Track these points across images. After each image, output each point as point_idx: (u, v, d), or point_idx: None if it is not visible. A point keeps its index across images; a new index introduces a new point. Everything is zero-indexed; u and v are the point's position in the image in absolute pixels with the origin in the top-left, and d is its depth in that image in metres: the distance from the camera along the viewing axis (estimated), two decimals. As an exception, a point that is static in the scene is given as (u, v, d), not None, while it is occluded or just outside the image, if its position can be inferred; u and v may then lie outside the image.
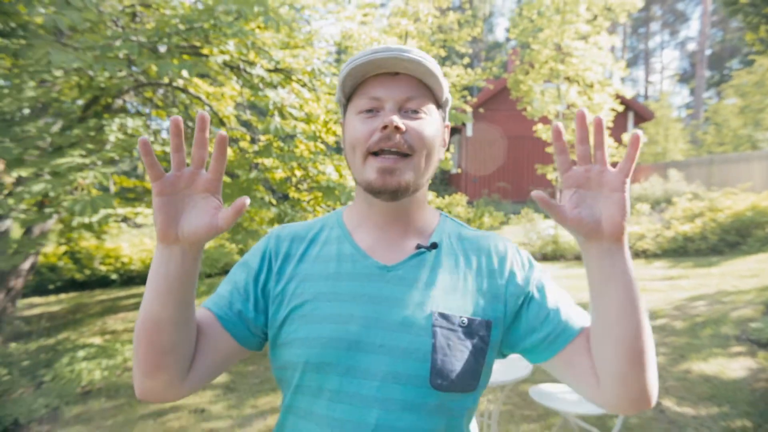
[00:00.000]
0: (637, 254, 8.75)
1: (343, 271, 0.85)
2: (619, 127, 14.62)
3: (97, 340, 5.05)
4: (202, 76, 5.24)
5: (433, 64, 0.84)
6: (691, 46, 37.33)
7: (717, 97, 28.17)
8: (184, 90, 4.99)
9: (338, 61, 5.57)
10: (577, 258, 9.09)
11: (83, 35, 3.62)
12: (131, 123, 4.01)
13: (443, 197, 13.26)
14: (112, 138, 3.83)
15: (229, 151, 5.30)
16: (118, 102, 5.29)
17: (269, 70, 4.33)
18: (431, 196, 10.98)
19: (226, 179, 5.35)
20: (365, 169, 0.83)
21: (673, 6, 36.77)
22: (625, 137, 10.62)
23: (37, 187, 3.35)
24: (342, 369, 0.79)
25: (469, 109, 13.09)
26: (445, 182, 18.02)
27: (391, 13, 10.71)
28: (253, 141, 5.11)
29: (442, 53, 12.24)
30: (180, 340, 0.77)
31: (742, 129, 18.31)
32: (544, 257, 9.27)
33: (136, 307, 6.82)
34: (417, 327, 0.79)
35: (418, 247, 0.87)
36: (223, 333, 0.84)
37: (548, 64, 10.87)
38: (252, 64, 4.27)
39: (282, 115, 4.31)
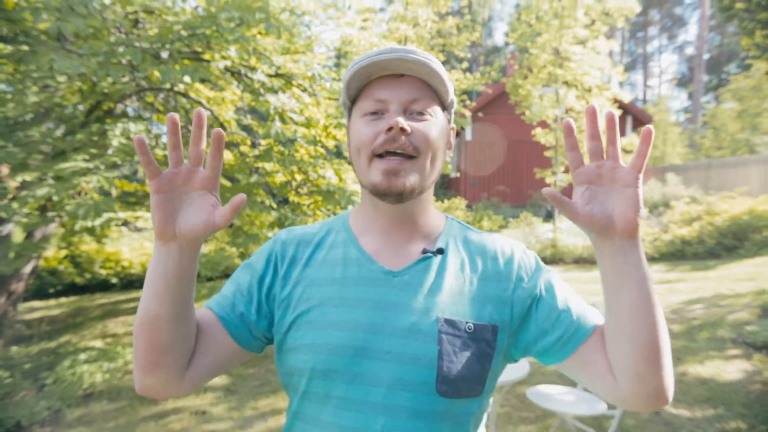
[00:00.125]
0: (635, 258, 8.77)
1: (349, 275, 0.85)
2: (617, 131, 14.67)
3: (98, 344, 5.08)
4: (202, 80, 5.29)
5: (438, 66, 0.83)
6: (689, 51, 37.49)
7: (715, 101, 28.27)
8: (185, 95, 5.04)
9: (338, 65, 5.62)
10: (576, 262, 9.13)
11: (87, 41, 3.67)
12: (133, 127, 4.05)
13: (442, 201, 13.31)
14: (115, 143, 3.87)
15: (230, 156, 5.35)
16: (120, 107, 5.34)
17: (270, 76, 4.38)
18: (430, 199, 10.98)
19: (227, 183, 5.39)
20: (370, 172, 0.83)
21: (671, 10, 36.94)
22: (625, 139, 10.69)
23: (42, 192, 3.40)
24: (348, 376, 0.78)
25: (468, 113, 13.14)
26: (444, 186, 18.07)
27: (390, 18, 10.78)
28: (253, 145, 5.15)
29: (441, 58, 12.30)
30: (178, 338, 0.77)
31: (739, 133, 18.39)
32: (543, 261, 9.30)
33: (136, 310, 6.82)
34: (423, 333, 0.79)
35: (424, 251, 0.86)
36: (224, 334, 0.83)
37: (547, 69, 10.94)
38: (253, 69, 4.32)
39: (283, 120, 4.36)
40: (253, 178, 4.62)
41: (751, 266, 7.36)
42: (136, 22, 4.63)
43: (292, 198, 4.92)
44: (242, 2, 3.51)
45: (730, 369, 3.90)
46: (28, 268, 5.58)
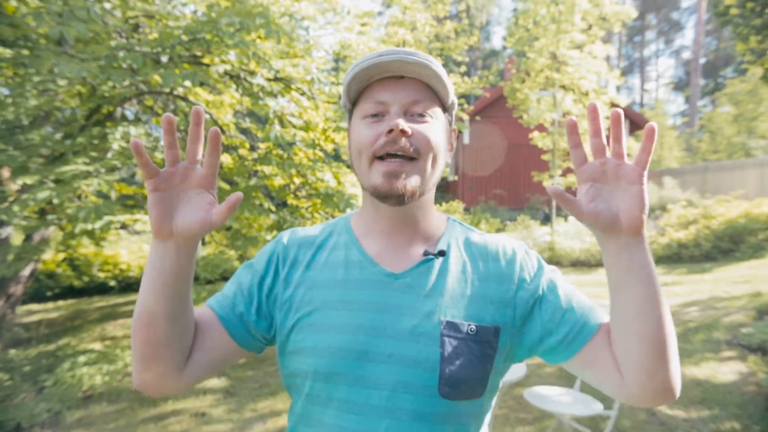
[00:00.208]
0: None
1: (351, 278, 0.85)
2: (614, 134, 14.74)
3: (97, 346, 5.09)
4: (201, 84, 5.32)
5: (438, 67, 0.83)
6: (686, 55, 37.67)
7: (711, 105, 28.43)
8: (184, 98, 5.07)
9: (336, 69, 5.66)
10: (573, 265, 9.17)
11: (88, 46, 3.70)
12: (134, 131, 4.08)
13: (440, 204, 13.35)
14: (115, 146, 3.90)
15: (229, 159, 5.38)
16: (119, 110, 5.36)
17: (269, 79, 4.42)
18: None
19: (226, 186, 5.42)
20: (371, 174, 0.83)
21: (667, 15, 37.15)
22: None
23: (43, 195, 3.42)
24: (351, 379, 0.78)
25: (466, 116, 13.21)
26: (442, 189, 18.13)
27: (389, 23, 10.84)
28: (252, 148, 5.18)
29: (439, 61, 12.37)
30: (174, 335, 0.77)
31: (736, 137, 18.50)
32: (541, 264, 9.35)
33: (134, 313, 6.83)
34: (425, 336, 0.79)
35: (426, 253, 0.86)
36: (223, 333, 0.84)
37: (544, 73, 11.01)
38: (253, 73, 4.35)
39: (282, 124, 4.39)
40: (252, 181, 4.65)
41: (746, 269, 7.41)
42: (136, 26, 4.67)
43: (291, 201, 4.95)
44: (242, 8, 3.54)
45: (725, 370, 3.94)
46: (26, 271, 5.59)
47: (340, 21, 5.30)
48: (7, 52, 3.62)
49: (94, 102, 4.36)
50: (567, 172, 12.06)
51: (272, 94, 4.35)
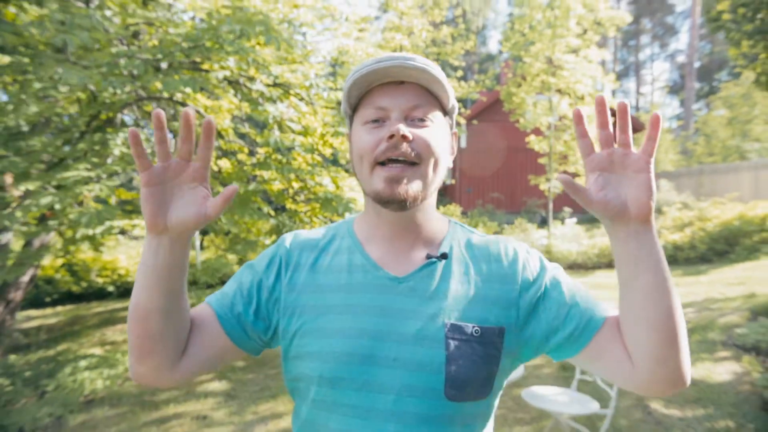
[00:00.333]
0: (628, 263, 8.89)
1: (354, 282, 0.84)
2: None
3: (98, 351, 5.11)
4: (201, 89, 5.37)
5: (438, 72, 0.83)
6: (681, 59, 37.94)
7: (706, 109, 28.60)
8: (183, 104, 5.12)
9: (334, 74, 5.72)
10: (570, 267, 9.22)
11: (91, 53, 3.74)
12: (134, 137, 4.11)
13: (438, 208, 13.38)
14: (116, 152, 3.94)
15: (227, 164, 5.42)
16: (120, 116, 5.41)
17: (268, 85, 4.47)
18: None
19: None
20: (373, 179, 0.82)
21: (662, 19, 37.41)
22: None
23: (45, 200, 3.46)
24: (357, 384, 0.78)
25: (462, 120, 13.29)
26: (439, 193, 18.11)
27: (385, 28, 10.91)
28: (251, 153, 5.23)
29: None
30: (169, 329, 0.78)
31: (730, 140, 18.64)
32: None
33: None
34: (430, 339, 0.79)
35: (428, 257, 0.86)
36: (220, 331, 0.84)
37: (540, 77, 11.10)
38: (252, 79, 4.40)
39: (281, 129, 4.44)
40: (252, 186, 4.69)
41: (741, 270, 7.48)
42: (136, 33, 4.72)
43: (290, 205, 4.99)
44: (243, 15, 3.60)
45: (720, 370, 3.99)
46: (26, 277, 5.61)
47: (338, 27, 5.36)
48: (6, 59, 3.66)
49: (94, 108, 4.41)
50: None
51: (271, 100, 4.40)
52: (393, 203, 0.81)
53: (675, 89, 37.22)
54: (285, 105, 4.54)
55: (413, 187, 0.81)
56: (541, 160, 11.66)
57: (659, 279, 0.73)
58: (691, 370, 0.77)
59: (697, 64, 28.25)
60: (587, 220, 14.45)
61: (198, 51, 3.78)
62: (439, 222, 0.92)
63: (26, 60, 3.66)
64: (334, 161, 6.64)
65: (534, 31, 10.99)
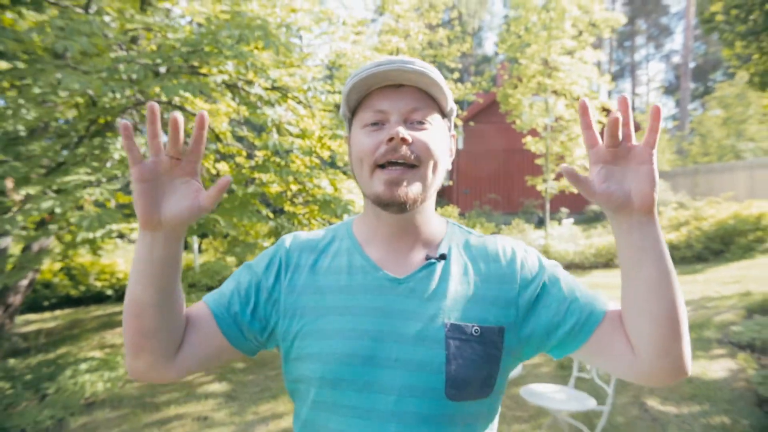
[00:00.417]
0: (625, 263, 8.96)
1: (354, 283, 0.85)
2: (606, 138, 14.93)
3: (98, 354, 5.13)
4: (200, 92, 5.39)
5: (436, 75, 0.83)
6: (676, 59, 38.14)
7: (701, 109, 28.75)
8: (181, 108, 5.15)
9: (331, 77, 5.76)
10: (568, 267, 9.28)
11: (90, 59, 3.78)
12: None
13: (435, 209, 13.44)
14: (116, 156, 3.97)
15: (225, 167, 5.45)
16: (119, 120, 5.44)
17: (267, 89, 4.50)
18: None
19: (223, 194, 5.48)
20: (373, 182, 0.83)
21: (657, 20, 37.62)
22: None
23: (46, 204, 3.48)
24: (358, 385, 0.79)
25: (459, 122, 13.35)
26: (437, 194, 18.25)
27: (382, 31, 10.97)
28: (249, 156, 5.26)
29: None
30: (163, 324, 0.78)
31: (725, 139, 18.75)
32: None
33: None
34: (430, 339, 0.79)
35: (427, 258, 0.86)
36: (216, 330, 0.84)
37: (536, 78, 11.18)
38: (250, 83, 4.44)
39: (280, 132, 4.47)
40: (250, 189, 4.72)
41: (736, 269, 7.54)
42: (134, 38, 4.75)
43: (288, 208, 5.02)
44: (242, 20, 3.64)
45: (716, 367, 4.03)
46: (25, 281, 5.63)
47: (335, 31, 5.40)
48: (4, 65, 3.69)
49: (94, 113, 4.44)
50: (560, 176, 12.18)
51: (270, 103, 4.43)
52: (393, 206, 0.82)
53: (670, 90, 37.41)
54: (283, 108, 4.58)
55: (413, 190, 0.82)
56: (538, 161, 11.72)
57: (662, 270, 0.74)
58: (691, 360, 0.78)
59: (692, 65, 28.40)
60: (584, 220, 14.51)
61: (197, 55, 3.82)
62: (438, 223, 0.93)
63: (23, 66, 3.69)
64: (332, 164, 6.68)
65: (529, 33, 11.07)
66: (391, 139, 0.80)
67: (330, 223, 4.48)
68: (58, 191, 3.94)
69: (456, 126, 13.72)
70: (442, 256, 0.86)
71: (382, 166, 0.82)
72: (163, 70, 4.00)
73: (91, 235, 3.83)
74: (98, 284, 8.71)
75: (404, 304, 0.82)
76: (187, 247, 11.64)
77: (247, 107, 4.62)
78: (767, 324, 4.55)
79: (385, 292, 0.83)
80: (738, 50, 6.57)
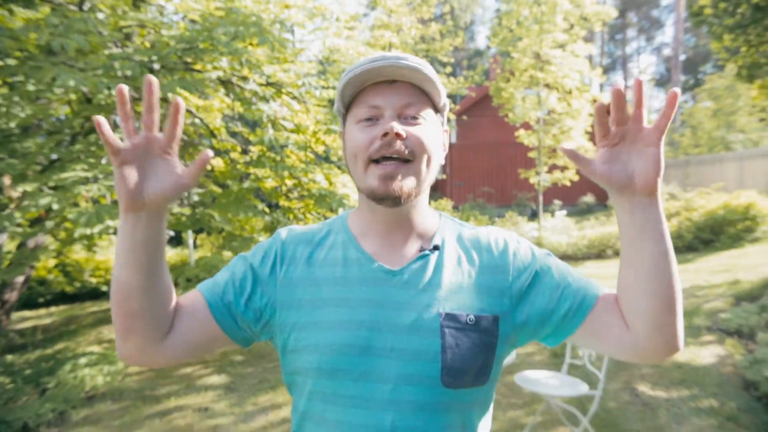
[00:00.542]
0: (617, 253, 9.06)
1: (349, 275, 0.86)
2: (597, 131, 15.04)
3: (96, 349, 5.17)
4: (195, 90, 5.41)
5: (429, 70, 0.85)
6: (667, 52, 38.34)
7: (692, 101, 28.93)
8: (175, 103, 5.16)
9: (324, 73, 5.78)
10: (561, 259, 9.36)
11: (85, 56, 3.79)
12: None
13: (429, 203, 13.52)
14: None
15: (220, 162, 5.48)
16: (113, 117, 5.45)
17: (261, 85, 4.54)
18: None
19: (217, 190, 5.52)
20: (367, 177, 0.84)
21: (648, 13, 37.77)
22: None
23: (44, 201, 3.51)
24: (355, 374, 0.80)
25: (452, 116, 13.41)
26: (431, 188, 18.31)
27: (374, 26, 10.98)
28: (244, 152, 5.30)
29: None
30: (150, 305, 0.79)
31: (715, 131, 18.92)
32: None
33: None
34: (425, 329, 0.80)
35: (421, 250, 0.88)
36: (210, 318, 0.85)
37: (528, 72, 11.24)
38: (245, 79, 4.47)
39: (275, 127, 4.51)
40: (246, 184, 4.76)
41: (726, 258, 7.67)
42: (128, 35, 4.76)
43: (283, 203, 5.06)
44: (236, 17, 3.67)
45: (705, 354, 4.14)
46: (21, 278, 5.64)
47: (329, 27, 5.43)
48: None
49: (89, 110, 4.45)
50: (552, 168, 12.29)
51: (265, 99, 4.47)
52: (387, 200, 0.83)
53: (661, 82, 37.60)
54: (278, 104, 4.61)
55: (407, 184, 0.83)
56: (531, 154, 11.81)
57: (663, 248, 0.76)
58: (683, 336, 0.81)
59: (682, 57, 28.55)
60: (577, 212, 14.65)
61: (192, 52, 3.85)
62: (431, 216, 0.94)
63: (15, 63, 3.70)
64: (326, 158, 6.72)
65: (521, 27, 11.12)
66: (385, 134, 0.82)
67: (325, 218, 4.52)
68: (55, 188, 3.96)
69: (449, 120, 13.77)
70: (436, 247, 0.88)
71: (376, 161, 0.83)
72: (157, 67, 4.03)
73: (88, 231, 3.86)
74: (93, 281, 8.70)
75: (399, 295, 0.83)
76: (182, 242, 11.65)
77: (241, 103, 4.65)
78: (754, 311, 4.66)
79: (380, 283, 0.84)
80: (726, 43, 6.66)
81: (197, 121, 5.52)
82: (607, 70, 36.67)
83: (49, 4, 4.13)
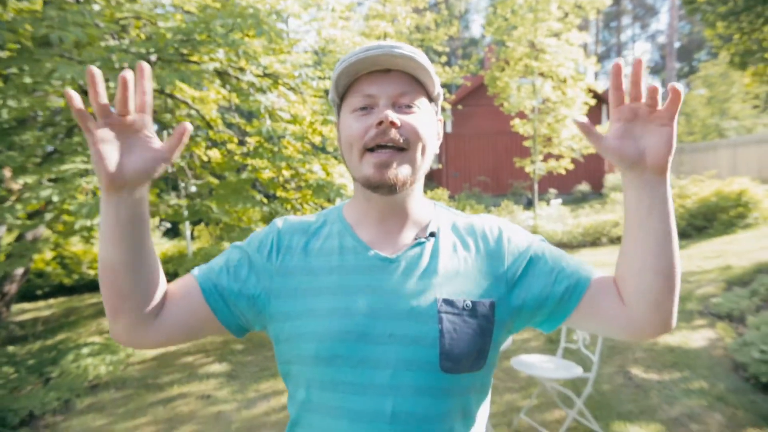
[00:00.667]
0: (612, 240, 9.16)
1: (346, 264, 0.86)
2: (593, 120, 15.06)
3: (98, 339, 5.22)
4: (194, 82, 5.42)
5: (424, 59, 0.85)
6: (661, 39, 38.32)
7: (687, 88, 29.00)
8: (171, 96, 5.18)
9: (320, 63, 5.80)
10: (556, 246, 9.47)
11: (85, 48, 3.81)
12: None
13: (425, 192, 13.59)
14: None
15: (217, 154, 5.51)
16: (110, 109, 5.45)
17: (258, 76, 4.56)
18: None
19: (214, 181, 5.56)
20: (362, 166, 0.85)
21: (642, 0, 37.69)
22: (600, 127, 11.02)
23: (45, 193, 3.55)
24: (353, 361, 0.80)
25: (447, 106, 13.42)
26: (426, 177, 18.30)
27: (369, 15, 10.95)
28: (241, 143, 5.32)
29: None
30: (138, 284, 0.80)
31: (709, 118, 19.01)
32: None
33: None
34: (423, 315, 0.81)
35: (417, 237, 0.89)
36: (202, 302, 0.86)
37: (523, 61, 11.25)
38: (242, 70, 4.49)
39: (272, 118, 4.54)
40: (243, 175, 4.80)
41: (718, 244, 7.77)
42: (124, 27, 4.76)
43: (280, 193, 5.10)
44: (234, 9, 3.68)
45: (696, 337, 4.23)
46: (20, 270, 5.68)
47: (324, 17, 5.44)
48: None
49: (86, 102, 4.46)
50: (548, 157, 12.35)
51: (262, 90, 4.49)
52: (383, 188, 0.83)
53: (656, 69, 37.63)
54: (275, 95, 4.63)
55: (402, 172, 0.83)
56: (526, 143, 11.85)
57: (667, 227, 0.78)
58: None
59: (677, 45, 28.58)
60: (572, 200, 14.74)
61: (189, 44, 3.86)
62: (426, 206, 0.95)
63: (9, 54, 3.70)
64: (323, 149, 6.75)
65: (516, 16, 11.12)
66: (380, 123, 0.82)
67: (323, 208, 4.56)
68: (55, 180, 3.99)
69: (444, 109, 13.79)
70: (432, 234, 0.89)
71: (371, 150, 0.84)
72: (154, 58, 4.04)
73: (89, 223, 3.90)
74: (91, 272, 8.73)
75: (396, 282, 0.84)
76: (179, 234, 11.68)
77: (237, 94, 4.67)
78: (745, 295, 4.76)
79: (376, 271, 0.85)
80: (719, 30, 6.71)
81: (193, 112, 5.55)
82: (602, 57, 36.60)
83: (44, -3, 4.13)
